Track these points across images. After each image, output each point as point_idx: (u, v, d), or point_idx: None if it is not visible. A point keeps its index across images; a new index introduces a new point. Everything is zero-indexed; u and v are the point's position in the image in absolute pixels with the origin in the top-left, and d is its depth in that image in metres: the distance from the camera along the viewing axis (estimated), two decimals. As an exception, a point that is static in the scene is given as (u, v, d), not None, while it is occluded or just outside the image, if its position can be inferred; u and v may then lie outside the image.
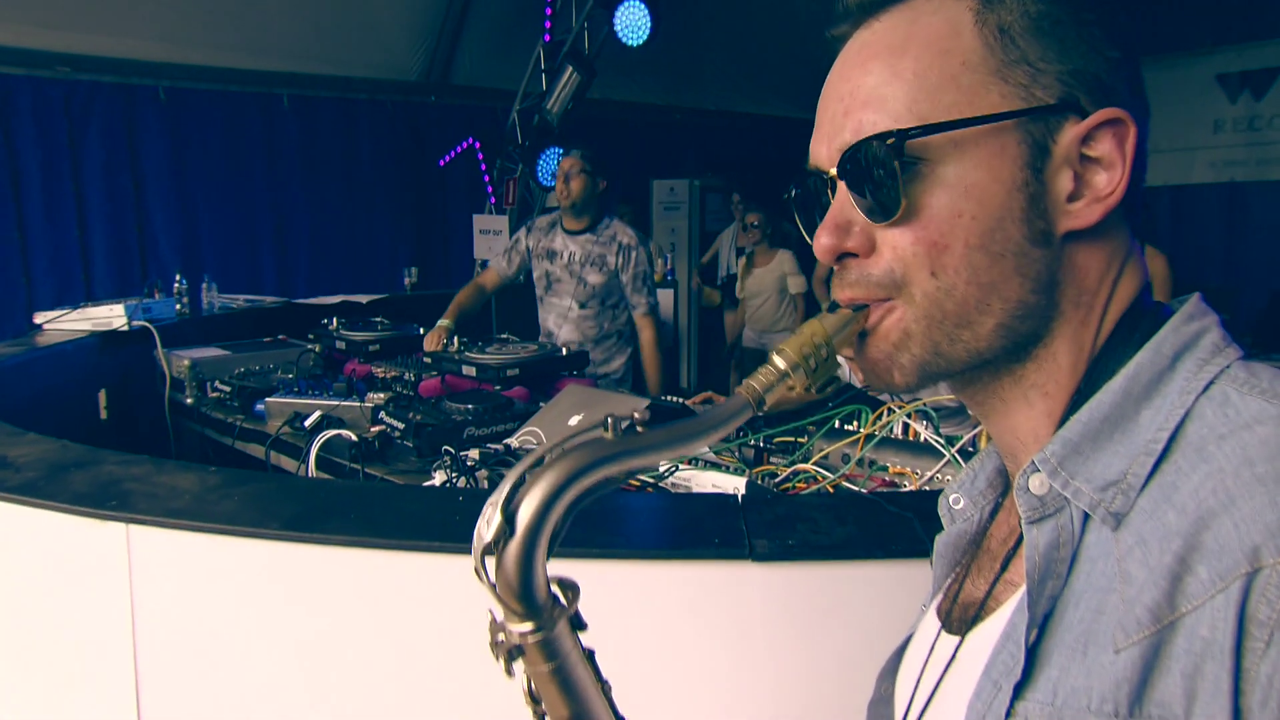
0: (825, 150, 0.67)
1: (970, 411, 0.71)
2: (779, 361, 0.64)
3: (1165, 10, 6.72)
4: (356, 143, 7.13)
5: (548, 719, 0.63)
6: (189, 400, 3.25)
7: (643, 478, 1.86)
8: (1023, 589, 0.60)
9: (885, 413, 1.96)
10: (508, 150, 6.62)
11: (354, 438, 2.36)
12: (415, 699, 1.44)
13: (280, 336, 4.01)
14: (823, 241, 0.66)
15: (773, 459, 2.08)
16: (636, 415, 0.60)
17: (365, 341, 3.50)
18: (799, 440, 2.08)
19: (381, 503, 1.59)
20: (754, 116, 9.38)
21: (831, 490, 1.83)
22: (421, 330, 3.69)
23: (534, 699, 0.63)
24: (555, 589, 0.61)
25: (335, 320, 3.71)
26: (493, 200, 6.87)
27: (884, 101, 0.62)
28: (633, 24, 5.77)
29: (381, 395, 2.76)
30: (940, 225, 0.61)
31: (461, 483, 1.98)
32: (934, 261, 0.62)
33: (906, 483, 1.81)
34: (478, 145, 6.99)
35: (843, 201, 0.66)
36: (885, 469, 1.86)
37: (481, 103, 7.50)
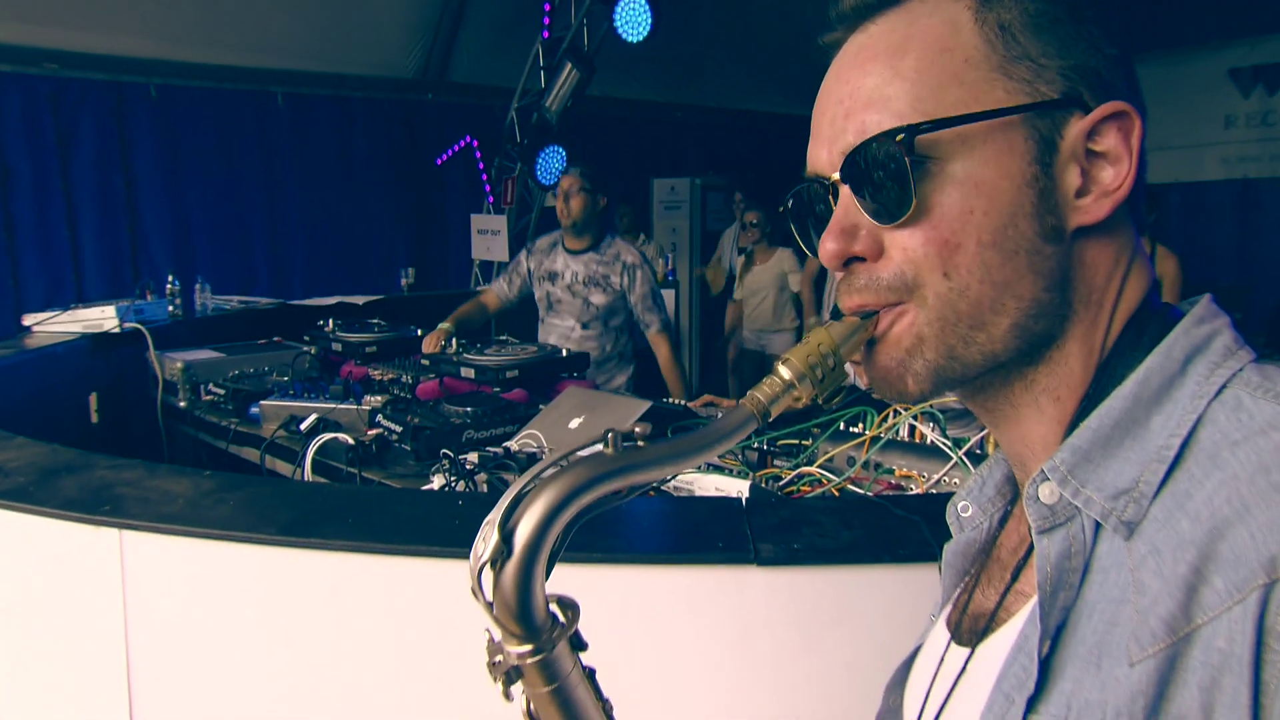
0: (826, 154, 0.67)
1: (980, 420, 0.71)
2: (784, 372, 0.64)
3: (1175, 3, 6.73)
4: (352, 141, 7.13)
5: None
6: (182, 403, 3.25)
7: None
8: (1034, 600, 0.60)
9: (891, 415, 1.96)
10: (506, 149, 6.62)
11: (351, 441, 2.36)
12: (415, 708, 1.44)
13: (275, 338, 4.01)
14: (829, 247, 0.65)
15: (777, 461, 2.08)
16: (638, 430, 0.60)
17: (362, 343, 3.50)
18: (803, 443, 2.08)
19: (379, 507, 1.59)
20: (756, 113, 9.39)
21: (837, 493, 1.83)
22: (420, 332, 3.69)
23: (533, 720, 0.63)
24: (554, 608, 0.62)
25: (331, 322, 3.71)
26: (491, 200, 6.88)
27: (887, 101, 0.62)
28: (633, 20, 5.77)
29: (378, 398, 2.76)
30: (951, 224, 0.61)
31: (461, 487, 1.98)
32: (946, 261, 0.62)
33: (913, 486, 1.81)
34: (475, 144, 7.00)
35: (847, 205, 0.65)
36: (891, 472, 1.86)
37: (479, 100, 7.50)
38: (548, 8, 6.19)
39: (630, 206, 7.41)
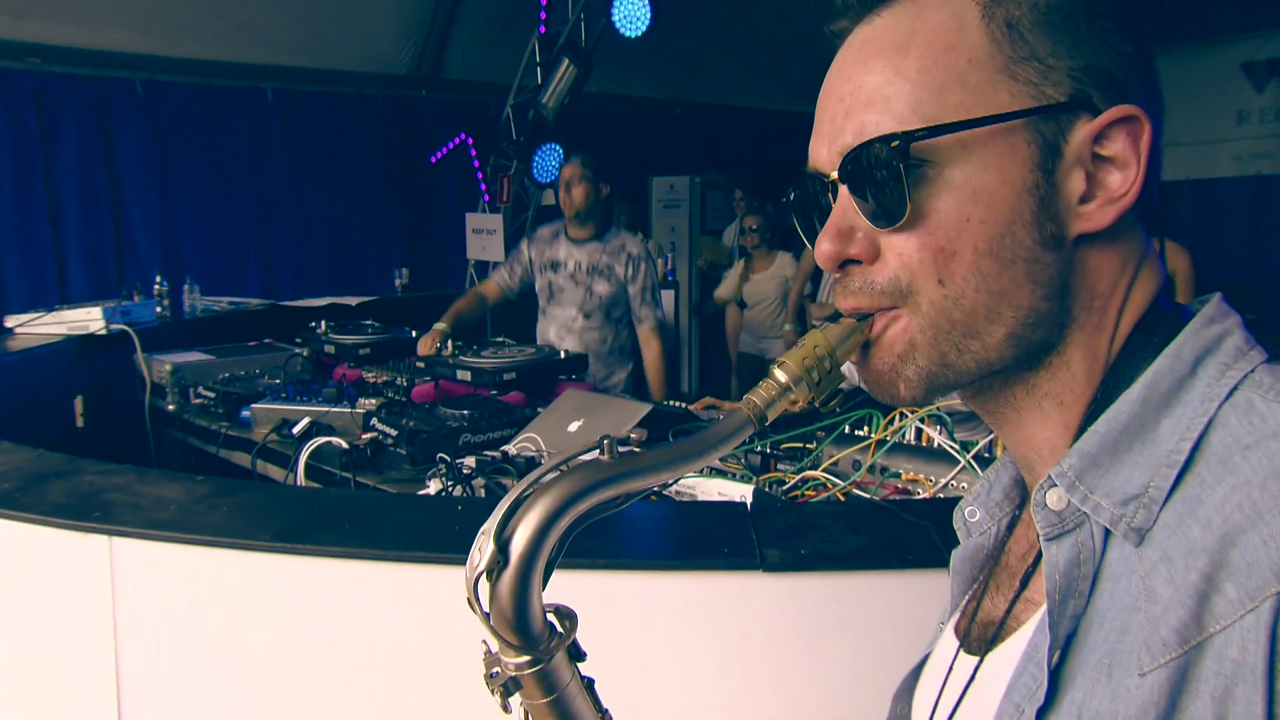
0: (826, 152, 0.67)
1: (984, 421, 0.71)
2: (780, 375, 0.65)
3: (1186, -4, 6.74)
4: (344, 139, 7.12)
5: None
6: (171, 407, 3.26)
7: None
8: (1044, 608, 0.60)
9: (897, 417, 1.97)
10: (502, 146, 6.61)
11: (345, 445, 2.37)
12: (415, 717, 1.44)
13: (266, 340, 4.02)
14: (824, 248, 0.66)
15: (780, 465, 2.08)
16: (634, 436, 0.61)
17: (355, 345, 3.50)
18: (808, 446, 2.08)
19: (377, 512, 1.59)
20: (757, 110, 9.40)
21: (842, 498, 1.83)
22: (415, 333, 3.70)
23: (532, 732, 0.63)
24: (552, 618, 0.62)
25: (323, 323, 3.72)
26: (486, 198, 6.86)
27: (887, 101, 0.62)
28: (631, 15, 5.77)
29: (373, 401, 2.76)
30: (947, 231, 0.61)
31: (458, 491, 1.99)
32: (941, 269, 0.62)
33: (920, 490, 1.82)
34: (470, 141, 7.00)
35: (844, 206, 0.66)
36: (898, 475, 1.86)
37: (474, 97, 7.50)
38: (544, 2, 6.19)
39: (628, 205, 7.41)
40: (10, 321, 3.77)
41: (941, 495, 1.76)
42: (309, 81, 6.87)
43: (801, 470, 1.98)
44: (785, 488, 1.93)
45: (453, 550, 1.34)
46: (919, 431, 1.95)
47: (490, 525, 0.59)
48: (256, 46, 6.46)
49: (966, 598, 0.78)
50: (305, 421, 2.58)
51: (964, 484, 1.77)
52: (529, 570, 0.58)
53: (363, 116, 7.19)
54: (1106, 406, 0.61)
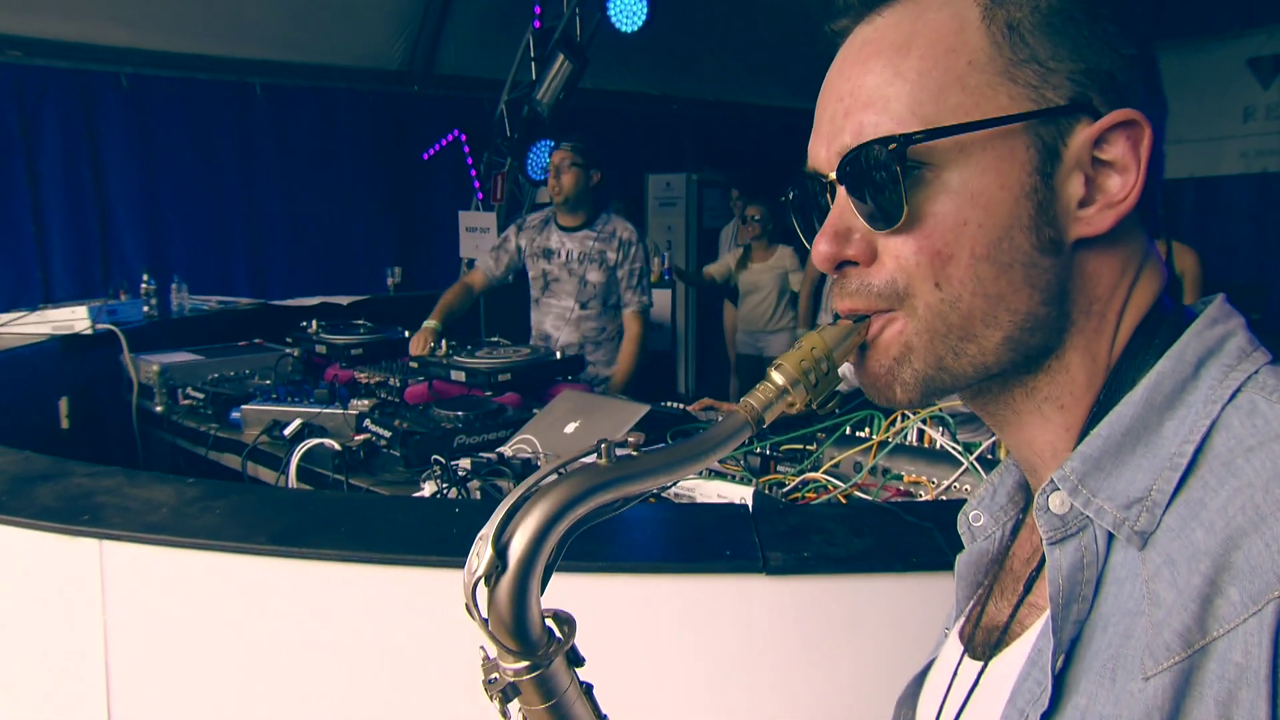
0: (824, 152, 0.67)
1: (986, 424, 0.72)
2: (777, 378, 0.66)
3: (1191, -10, 6.75)
4: (335, 135, 7.14)
5: None
6: (158, 408, 3.25)
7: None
8: (1048, 612, 0.61)
9: (899, 418, 1.97)
10: (495, 143, 6.63)
11: (337, 447, 2.37)
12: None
13: (256, 340, 4.01)
14: (821, 249, 0.67)
15: (780, 467, 2.09)
16: (631, 440, 0.62)
17: (347, 345, 3.51)
18: (808, 447, 2.09)
19: (373, 515, 1.59)
20: (755, 107, 9.41)
21: (843, 500, 1.84)
22: (407, 333, 3.70)
23: (531, 738, 0.64)
24: (550, 623, 0.63)
25: (314, 323, 3.72)
26: (480, 196, 6.88)
27: (886, 102, 0.63)
28: (627, 9, 5.79)
29: (365, 402, 2.77)
30: (945, 234, 0.62)
31: (453, 494, 1.99)
32: (938, 272, 0.63)
33: (922, 492, 1.82)
34: (464, 138, 7.01)
35: (842, 207, 0.66)
36: (900, 478, 1.87)
37: (467, 93, 7.51)
38: (539, -5, 6.20)
39: (624, 203, 7.41)
40: (-8, 321, 3.77)
41: (945, 497, 1.77)
42: (299, 76, 6.87)
43: (802, 472, 1.98)
44: (785, 490, 1.93)
45: (452, 553, 1.35)
46: (921, 433, 1.96)
47: (488, 530, 0.60)
48: (245, 41, 6.46)
49: (971, 603, 0.79)
50: (297, 423, 2.58)
51: (967, 486, 1.77)
52: (527, 575, 0.59)
53: (354, 112, 7.20)
54: (1109, 409, 0.62)
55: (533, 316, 3.93)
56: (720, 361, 6.94)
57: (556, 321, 3.81)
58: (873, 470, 1.90)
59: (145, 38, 6.09)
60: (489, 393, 2.90)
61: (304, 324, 3.74)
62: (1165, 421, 0.59)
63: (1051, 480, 0.62)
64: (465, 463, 2.12)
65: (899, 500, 1.79)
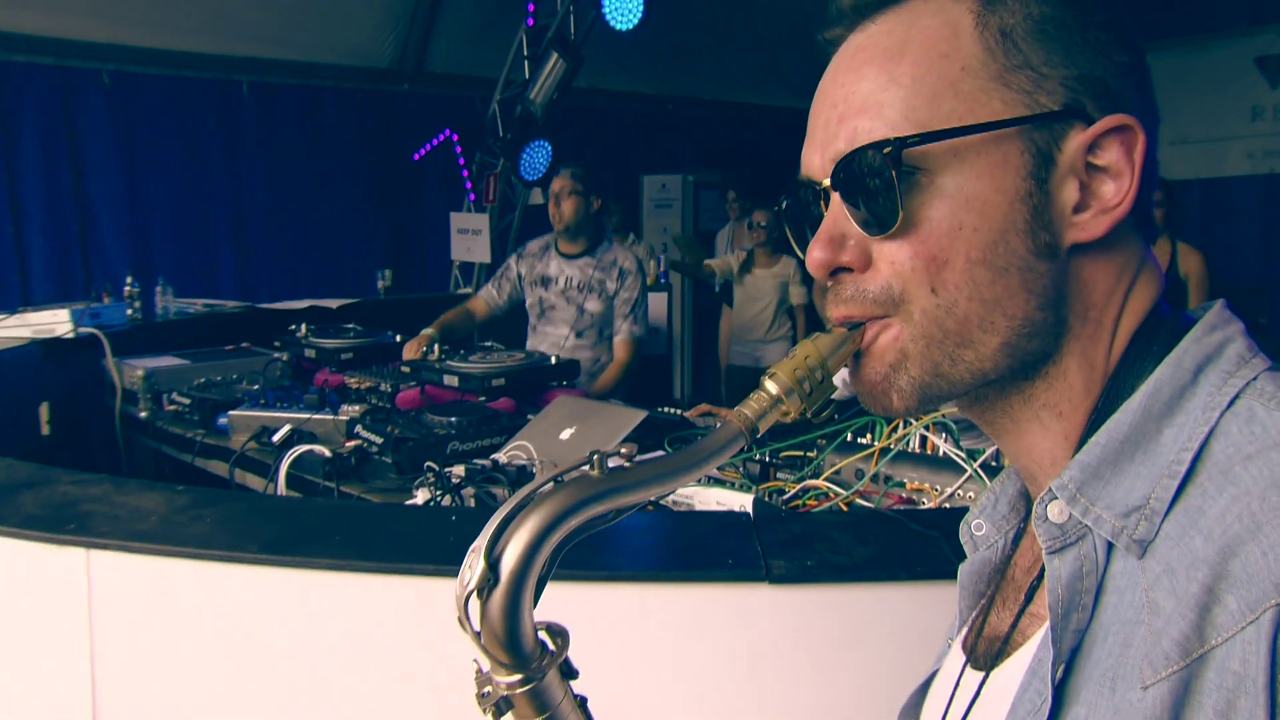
0: (818, 159, 0.69)
1: (984, 433, 0.73)
2: (771, 387, 0.67)
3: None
4: (323, 135, 7.12)
5: None
6: (143, 414, 3.25)
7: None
8: (1049, 622, 0.62)
9: (901, 425, 1.98)
10: (488, 143, 6.62)
11: (328, 453, 2.37)
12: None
13: (244, 344, 4.00)
14: (815, 255, 0.68)
15: (780, 474, 2.10)
16: (623, 450, 0.63)
17: (337, 349, 3.51)
18: (808, 454, 2.10)
19: (367, 524, 1.60)
20: (753, 107, 9.43)
21: (844, 508, 1.85)
22: (398, 337, 3.71)
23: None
24: (543, 636, 0.64)
25: (304, 326, 3.73)
26: (472, 197, 6.87)
27: (880, 108, 0.64)
28: (623, 7, 5.79)
29: (356, 407, 2.77)
30: (940, 238, 0.63)
31: (446, 501, 2.00)
32: (934, 277, 0.64)
33: (925, 499, 1.83)
34: (455, 138, 7.01)
35: (837, 213, 0.68)
36: (902, 485, 1.88)
37: (459, 92, 7.51)
38: (532, -7, 6.21)
39: (619, 205, 7.42)
40: (-30, 324, 3.76)
41: (949, 505, 1.78)
42: (286, 74, 6.86)
43: (802, 479, 1.99)
44: (786, 497, 1.94)
45: (449, 562, 1.35)
46: (924, 439, 1.96)
47: (480, 543, 0.61)
48: (231, 37, 6.45)
49: (974, 613, 0.80)
50: (286, 429, 2.59)
51: (971, 493, 1.78)
52: (520, 588, 0.60)
53: (342, 111, 7.19)
54: (1107, 416, 0.63)
55: (528, 344, 3.97)
56: (716, 366, 6.95)
57: (551, 350, 3.84)
58: (875, 477, 1.91)
59: (128, 34, 6.06)
60: (482, 398, 2.90)
61: (292, 327, 3.74)
62: (1164, 429, 0.60)
63: (1050, 489, 0.63)
64: (459, 469, 2.13)
65: (902, 508, 1.80)
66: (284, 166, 6.91)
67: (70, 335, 3.67)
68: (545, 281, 3.86)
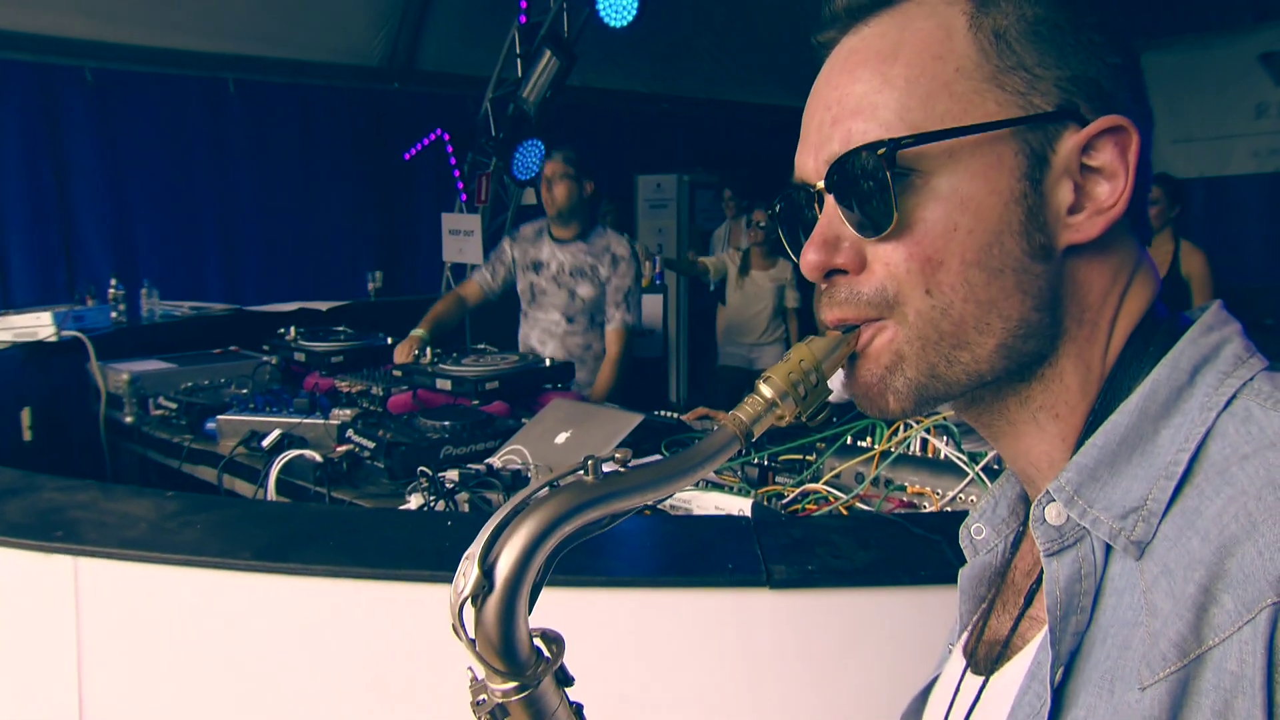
0: (812, 162, 0.70)
1: (982, 436, 0.74)
2: (765, 390, 0.68)
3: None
4: (312, 134, 7.13)
5: None
6: (128, 419, 3.24)
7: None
8: (1048, 625, 0.63)
9: (902, 428, 1.99)
10: (480, 143, 6.63)
11: (319, 459, 2.38)
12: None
13: (232, 347, 4.01)
14: (810, 258, 0.69)
15: (779, 478, 2.10)
16: (618, 455, 0.64)
17: (327, 353, 3.52)
18: (807, 458, 2.11)
19: (362, 529, 1.61)
20: (749, 105, 9.44)
21: (845, 512, 1.85)
22: (389, 340, 3.71)
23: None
24: (538, 643, 0.65)
25: (293, 329, 3.73)
26: (464, 198, 6.88)
27: (874, 109, 0.65)
28: (617, 4, 5.80)
29: (347, 412, 2.78)
30: (934, 240, 0.64)
31: (440, 506, 2.00)
32: (929, 279, 0.65)
33: (926, 504, 1.84)
34: (447, 137, 7.01)
35: (831, 216, 0.69)
36: (903, 489, 1.88)
37: (451, 90, 7.52)
38: (525, -11, 6.22)
39: (613, 205, 7.44)
40: (-49, 327, 3.75)
41: (950, 509, 1.79)
42: (274, 72, 6.86)
43: (802, 483, 2.00)
44: (785, 501, 1.95)
45: (446, 568, 1.35)
46: (925, 442, 1.97)
47: (474, 550, 0.62)
48: (217, 34, 6.45)
49: (975, 617, 0.81)
50: (275, 434, 2.59)
51: (972, 497, 1.79)
52: (514, 595, 0.61)
53: (332, 110, 7.19)
54: (1104, 418, 0.64)
55: (520, 330, 3.98)
56: (712, 368, 6.95)
57: (543, 336, 3.85)
58: (875, 481, 1.92)
59: (111, 30, 6.05)
60: (476, 402, 2.91)
61: (281, 330, 3.75)
62: (1161, 430, 0.62)
63: (1047, 491, 0.64)
64: (453, 474, 2.13)
65: (903, 512, 1.80)
66: (272, 166, 6.91)
67: (53, 338, 3.66)
68: (537, 266, 3.86)
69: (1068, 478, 0.63)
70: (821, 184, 0.69)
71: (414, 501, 2.05)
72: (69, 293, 5.69)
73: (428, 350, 3.35)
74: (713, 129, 9.47)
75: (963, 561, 0.83)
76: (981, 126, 0.63)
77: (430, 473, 2.12)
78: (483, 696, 0.65)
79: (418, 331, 3.68)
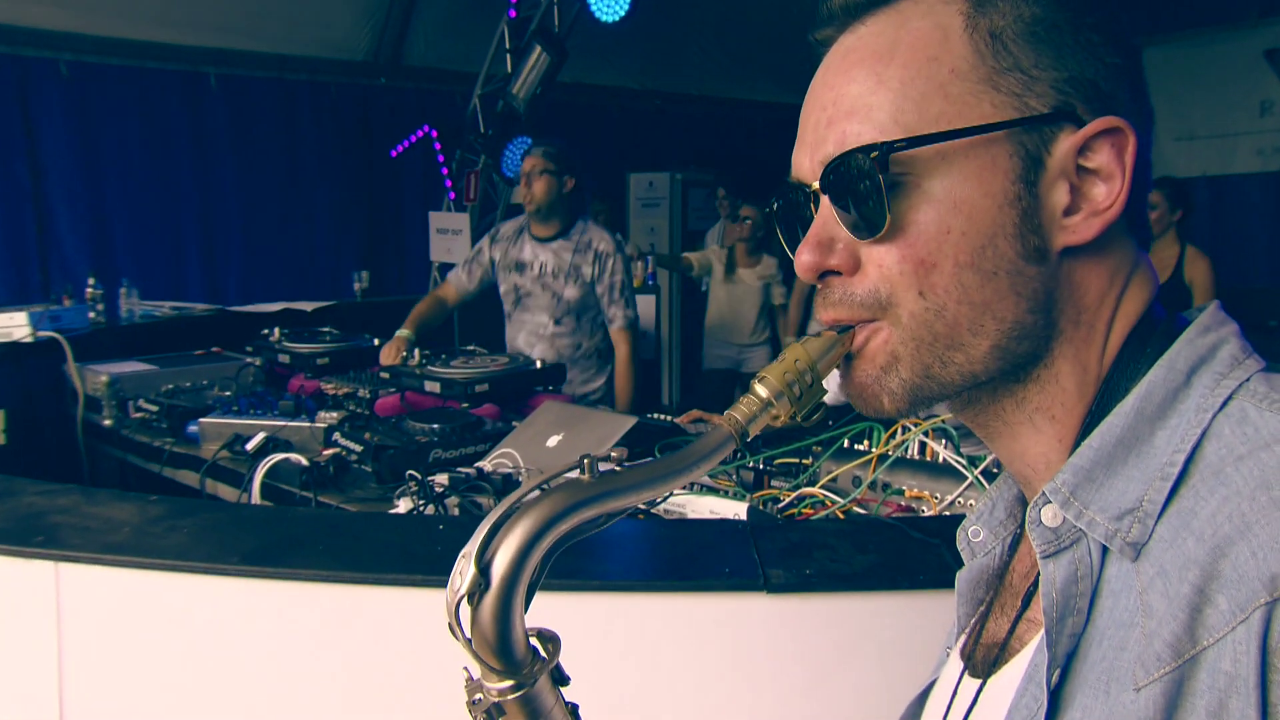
0: (808, 162, 0.71)
1: (978, 436, 0.76)
2: (761, 390, 0.69)
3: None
4: (296, 130, 7.11)
5: None
6: (107, 422, 3.24)
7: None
8: (1044, 627, 0.64)
9: (899, 431, 2.00)
10: (468, 140, 6.64)
11: (304, 462, 2.38)
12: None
13: (214, 349, 4.01)
14: (804, 259, 0.70)
15: (775, 482, 2.11)
16: (614, 454, 0.65)
17: (313, 354, 3.52)
18: (804, 462, 2.12)
19: (352, 533, 1.61)
20: (743, 103, 9.47)
21: (842, 516, 1.87)
22: (376, 341, 3.72)
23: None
24: (535, 642, 0.67)
25: (277, 330, 3.74)
26: (452, 196, 6.89)
27: (869, 111, 0.66)
28: (609, -2, 5.83)
29: (334, 414, 2.78)
30: (928, 242, 0.66)
31: (430, 511, 2.01)
32: (922, 281, 0.66)
33: (925, 507, 1.85)
34: (434, 134, 7.01)
35: (825, 216, 0.70)
36: (901, 492, 1.89)
37: (438, 86, 7.52)
38: (515, -17, 6.23)
39: (604, 204, 7.44)
40: (-78, 326, 3.74)
41: (948, 513, 1.80)
42: (256, 66, 6.84)
43: (798, 487, 2.01)
44: (781, 505, 1.96)
45: (438, 572, 1.37)
46: (923, 446, 1.98)
47: (471, 548, 0.63)
48: (197, 27, 6.42)
49: (973, 620, 0.82)
50: (260, 437, 2.59)
51: (971, 501, 1.80)
52: (511, 593, 0.62)
53: (316, 106, 7.17)
54: (1101, 419, 0.65)
55: (506, 332, 3.96)
56: (700, 373, 6.96)
57: (530, 338, 3.84)
58: (872, 485, 1.93)
59: (87, 21, 6.02)
60: (465, 404, 2.91)
61: (265, 331, 3.75)
62: (1157, 431, 0.63)
63: (1043, 493, 0.66)
64: (442, 478, 2.14)
65: (900, 516, 1.82)
66: (254, 163, 6.89)
67: (28, 339, 3.66)
68: (520, 267, 3.85)
69: (1064, 479, 0.65)
70: (817, 184, 0.70)
71: (403, 506, 2.06)
72: (45, 292, 5.67)
73: (415, 352, 3.35)
74: (706, 126, 9.48)
75: (962, 565, 0.84)
76: (975, 129, 0.64)
77: (419, 476, 2.13)
78: (478, 695, 0.66)
79: (403, 332, 3.69)
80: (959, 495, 1.83)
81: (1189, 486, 0.60)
